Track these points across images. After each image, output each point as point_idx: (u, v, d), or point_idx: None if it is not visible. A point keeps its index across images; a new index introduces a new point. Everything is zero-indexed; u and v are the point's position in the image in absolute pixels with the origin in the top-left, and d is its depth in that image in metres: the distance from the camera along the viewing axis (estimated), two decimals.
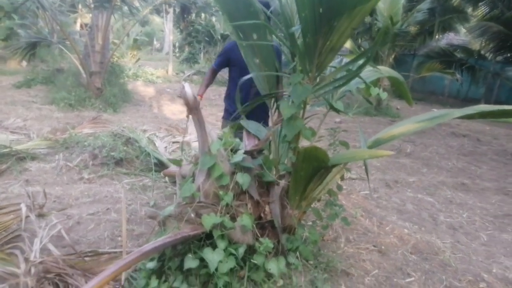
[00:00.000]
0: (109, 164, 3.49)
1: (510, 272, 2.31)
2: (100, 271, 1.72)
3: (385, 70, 2.35)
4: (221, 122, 3.06)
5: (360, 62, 1.72)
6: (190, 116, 1.83)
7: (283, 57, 2.73)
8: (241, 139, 2.12)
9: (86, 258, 1.89)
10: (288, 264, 1.93)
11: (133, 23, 9.08)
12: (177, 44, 16.95)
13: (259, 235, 1.88)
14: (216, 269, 1.64)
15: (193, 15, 13.99)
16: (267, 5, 2.34)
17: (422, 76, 10.30)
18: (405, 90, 2.33)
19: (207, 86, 2.86)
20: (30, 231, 2.14)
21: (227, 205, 1.78)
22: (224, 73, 2.98)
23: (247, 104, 2.18)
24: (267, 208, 1.95)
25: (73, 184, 3.17)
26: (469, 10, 11.13)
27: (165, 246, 1.66)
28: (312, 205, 2.19)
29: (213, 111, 7.15)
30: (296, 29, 1.68)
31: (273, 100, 2.20)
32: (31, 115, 5.58)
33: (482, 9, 10.57)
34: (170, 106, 7.90)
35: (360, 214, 2.90)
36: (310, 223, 2.31)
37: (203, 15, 14.37)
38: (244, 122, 2.25)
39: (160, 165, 3.54)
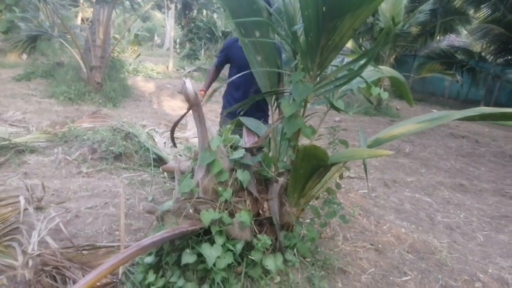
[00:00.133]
0: (108, 159, 3.49)
1: (506, 273, 2.32)
2: (97, 264, 1.73)
3: (386, 70, 2.35)
4: (219, 119, 3.08)
5: (362, 62, 1.72)
6: (190, 112, 1.83)
7: (283, 56, 2.73)
8: (240, 136, 2.12)
9: (84, 252, 1.89)
10: (285, 261, 1.94)
11: (135, 18, 9.07)
12: (178, 40, 16.94)
13: (257, 231, 1.88)
14: (214, 265, 1.64)
15: (195, 11, 13.97)
16: (268, 3, 2.34)
17: (422, 77, 10.33)
18: (406, 91, 2.33)
19: (210, 83, 2.90)
20: (28, 224, 2.14)
21: (225, 201, 1.78)
22: (225, 71, 3.00)
23: (244, 102, 2.18)
24: (265, 205, 1.96)
25: (71, 178, 3.17)
26: (471, 12, 11.14)
27: (163, 241, 1.67)
28: (310, 203, 2.20)
29: (213, 107, 7.14)
30: (299, 27, 1.68)
31: (274, 97, 2.21)
32: (31, 108, 5.57)
33: (484, 11, 10.59)
34: (170, 102, 7.89)
35: (358, 212, 2.91)
36: (308, 220, 2.32)
37: (204, 11, 14.35)
38: (244, 119, 2.26)
39: (159, 161, 3.54)
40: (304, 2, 1.46)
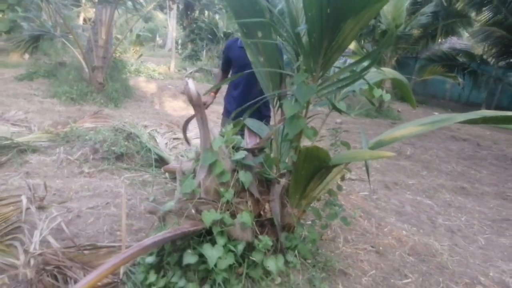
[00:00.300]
0: (109, 159, 3.50)
1: (507, 276, 2.32)
2: (99, 264, 1.73)
3: (389, 72, 2.35)
4: (221, 119, 3.10)
5: (365, 63, 1.72)
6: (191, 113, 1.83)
7: (285, 57, 2.74)
8: (242, 136, 2.12)
9: (85, 251, 1.89)
10: (286, 262, 1.94)
11: (137, 19, 9.08)
12: (179, 41, 16.96)
13: (258, 232, 1.88)
14: (215, 265, 1.65)
15: (197, 12, 14.01)
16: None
17: (424, 79, 10.31)
18: (408, 93, 2.33)
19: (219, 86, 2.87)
20: (30, 223, 2.14)
21: (227, 202, 1.78)
22: None
23: (248, 104, 2.18)
24: (267, 206, 1.96)
25: (73, 178, 3.18)
26: (473, 14, 11.14)
27: (164, 241, 1.67)
28: (311, 205, 2.20)
29: (216, 108, 7.14)
30: (302, 28, 1.68)
31: (276, 98, 2.21)
32: (33, 108, 5.58)
33: (486, 14, 10.57)
34: (172, 102, 7.89)
35: (359, 214, 2.91)
36: (310, 222, 2.31)
37: (206, 12, 14.39)
38: (246, 120, 2.26)
39: (161, 161, 3.54)
40: (308, 3, 1.46)
